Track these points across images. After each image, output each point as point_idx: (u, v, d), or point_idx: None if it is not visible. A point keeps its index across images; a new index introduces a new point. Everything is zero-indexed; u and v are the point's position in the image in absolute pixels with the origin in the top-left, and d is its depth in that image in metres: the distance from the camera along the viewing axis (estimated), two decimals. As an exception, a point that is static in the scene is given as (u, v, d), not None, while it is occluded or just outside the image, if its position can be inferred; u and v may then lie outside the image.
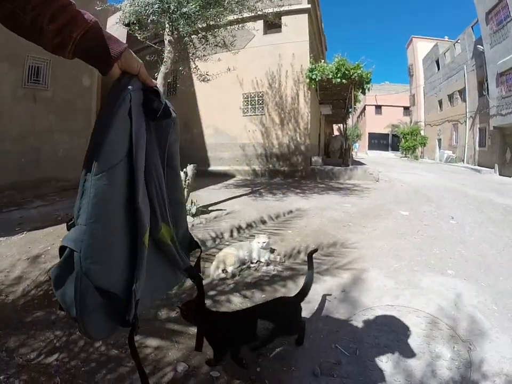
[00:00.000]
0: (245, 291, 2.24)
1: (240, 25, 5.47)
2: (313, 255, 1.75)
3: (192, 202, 4.67)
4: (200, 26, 4.68)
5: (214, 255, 2.84)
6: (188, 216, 4.33)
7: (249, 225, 4.02)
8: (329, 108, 11.41)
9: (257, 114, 8.84)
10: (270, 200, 5.64)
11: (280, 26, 8.87)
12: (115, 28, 7.95)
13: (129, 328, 0.86)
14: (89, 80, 7.43)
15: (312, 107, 8.93)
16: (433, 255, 3.00)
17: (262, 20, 8.13)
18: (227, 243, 3.32)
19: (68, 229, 0.77)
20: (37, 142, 6.44)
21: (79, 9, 0.75)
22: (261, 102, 8.84)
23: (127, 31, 5.74)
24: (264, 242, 2.76)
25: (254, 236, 3.34)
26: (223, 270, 2.50)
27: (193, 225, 4.12)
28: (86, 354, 1.67)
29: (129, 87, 0.79)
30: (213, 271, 2.53)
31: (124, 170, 0.81)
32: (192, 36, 4.91)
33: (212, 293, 2.23)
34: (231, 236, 3.63)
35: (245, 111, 8.96)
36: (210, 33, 5.09)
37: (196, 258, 1.21)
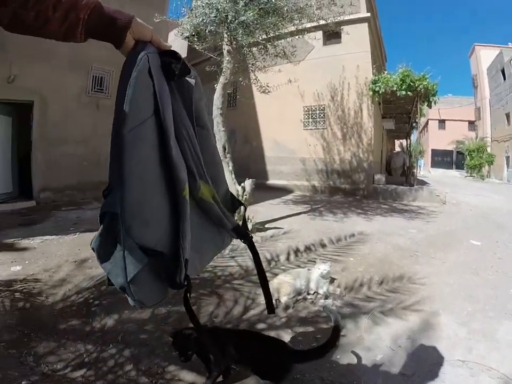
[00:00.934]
0: (297, 327, 2.12)
1: (300, 36, 5.42)
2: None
3: (248, 219, 4.73)
4: (259, 36, 4.63)
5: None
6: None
7: (307, 248, 3.97)
8: (392, 123, 10.83)
9: (319, 128, 8.75)
10: (330, 221, 5.53)
11: (339, 37, 8.67)
12: (176, 41, 8.50)
13: (182, 290, 0.83)
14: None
15: (375, 121, 8.59)
16: (510, 298, 2.66)
17: (321, 31, 8.07)
18: (282, 267, 3.30)
19: (104, 197, 0.77)
20: (98, 146, 6.93)
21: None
22: (322, 115, 8.74)
23: (188, 44, 6.01)
24: (325, 270, 2.64)
25: (314, 261, 3.31)
26: (276, 300, 2.45)
27: None
28: (113, 377, 1.61)
29: (145, 50, 0.81)
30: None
31: (153, 127, 0.82)
32: (251, 46, 4.93)
33: (260, 326, 2.14)
34: (287, 259, 3.60)
35: (306, 124, 8.93)
36: (270, 43, 5.05)
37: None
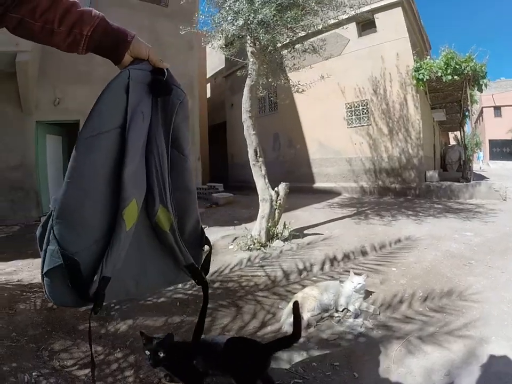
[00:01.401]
0: (314, 350, 1.90)
1: (331, 30, 5.12)
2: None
3: (284, 225, 4.55)
4: (283, 33, 4.46)
5: (294, 293, 2.63)
6: (278, 241, 4.28)
7: (346, 256, 3.69)
8: (443, 113, 9.73)
9: (363, 125, 8.22)
10: (375, 224, 5.11)
11: (374, 26, 8.11)
12: (213, 53, 8.54)
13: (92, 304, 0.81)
14: (191, 101, 8.24)
15: (423, 113, 7.82)
16: None
17: (354, 22, 7.62)
18: (314, 278, 3.11)
19: None
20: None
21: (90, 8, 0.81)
22: (365, 111, 8.19)
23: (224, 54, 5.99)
24: (359, 284, 2.39)
25: (349, 272, 3.06)
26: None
27: (281, 252, 4.01)
28: (112, 380, 1.65)
29: (130, 66, 0.85)
30: (285, 315, 2.27)
31: (114, 141, 0.82)
32: (277, 45, 4.75)
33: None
34: (322, 269, 3.39)
35: (349, 122, 8.46)
36: (296, 39, 4.85)
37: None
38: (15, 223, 6.48)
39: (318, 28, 4.66)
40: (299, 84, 5.36)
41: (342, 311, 2.40)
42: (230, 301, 2.65)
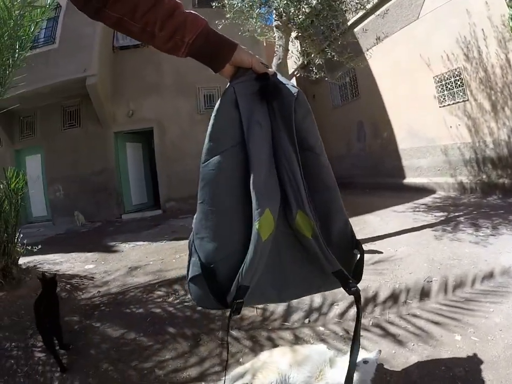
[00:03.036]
0: None
1: None
2: None
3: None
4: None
5: (277, 345, 1.86)
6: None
7: (392, 297, 2.40)
8: None
9: (458, 102, 5.83)
10: (463, 241, 3.34)
11: None
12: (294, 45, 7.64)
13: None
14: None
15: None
16: None
17: None
18: (321, 328, 2.04)
19: None
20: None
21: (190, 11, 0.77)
22: (459, 83, 5.78)
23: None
24: (366, 362, 1.35)
25: (381, 328, 1.95)
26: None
27: None
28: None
29: (234, 81, 0.85)
30: None
31: (237, 157, 0.84)
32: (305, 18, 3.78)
33: None
34: (343, 313, 2.23)
35: (441, 99, 6.17)
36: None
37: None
38: (99, 220, 7.08)
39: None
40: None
41: None
42: (192, 332, 2.11)
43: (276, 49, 3.70)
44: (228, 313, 0.86)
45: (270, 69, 0.89)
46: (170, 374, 1.72)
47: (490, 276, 2.47)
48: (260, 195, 0.82)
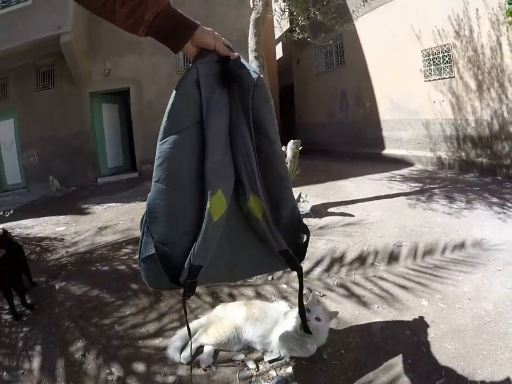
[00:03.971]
0: None
1: None
2: None
3: (298, 200, 3.29)
4: None
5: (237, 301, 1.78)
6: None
7: (359, 258, 2.38)
8: None
9: (444, 78, 5.67)
10: (437, 211, 3.32)
11: None
12: None
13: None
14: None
15: (524, 62, 4.90)
16: None
17: None
18: (284, 286, 1.99)
19: None
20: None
21: None
22: (447, 59, 5.59)
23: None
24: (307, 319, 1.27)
25: (347, 288, 1.93)
26: (192, 348, 1.27)
27: None
28: None
29: (197, 60, 0.83)
30: (177, 338, 1.46)
31: (194, 136, 0.83)
32: None
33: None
34: (309, 272, 2.19)
35: (427, 74, 5.97)
36: None
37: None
38: (74, 185, 6.78)
39: None
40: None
41: (272, 361, 1.33)
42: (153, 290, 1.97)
43: (255, 3, 3.31)
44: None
45: (234, 53, 0.89)
46: (129, 329, 1.67)
47: (461, 246, 2.46)
48: (214, 175, 0.83)
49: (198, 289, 1.92)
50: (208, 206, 0.81)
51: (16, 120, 7.18)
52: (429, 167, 5.98)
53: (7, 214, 3.65)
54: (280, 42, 12.81)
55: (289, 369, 1.28)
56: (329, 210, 3.51)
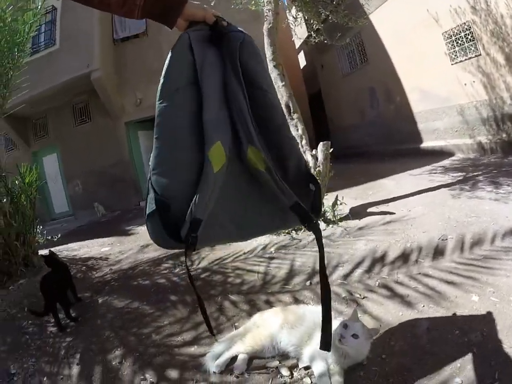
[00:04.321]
0: None
1: None
2: None
3: (335, 201, 3.16)
4: None
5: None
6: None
7: (402, 257, 2.20)
8: None
9: (471, 57, 5.22)
10: (483, 199, 3.00)
11: None
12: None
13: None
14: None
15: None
16: None
17: None
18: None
19: None
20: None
21: None
22: (469, 37, 5.16)
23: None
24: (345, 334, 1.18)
25: (389, 288, 1.78)
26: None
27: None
28: None
29: (188, 30, 0.88)
30: (214, 352, 1.41)
31: (189, 94, 0.86)
32: None
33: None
34: (349, 274, 2.07)
35: (453, 56, 5.55)
36: None
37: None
38: (118, 209, 7.17)
39: None
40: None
41: (307, 368, 1.25)
42: (193, 299, 2.03)
43: (265, 14, 3.36)
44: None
45: (224, 22, 0.92)
46: (166, 338, 1.69)
47: None
48: (211, 128, 0.85)
49: (234, 297, 2.03)
50: (208, 155, 0.82)
51: (59, 154, 7.87)
52: (470, 155, 5.50)
53: (55, 238, 3.91)
54: (302, 51, 12.79)
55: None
56: (369, 210, 3.34)
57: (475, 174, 4.10)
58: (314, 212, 0.97)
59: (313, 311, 1.40)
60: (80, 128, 7.71)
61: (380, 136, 7.98)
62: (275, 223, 1.00)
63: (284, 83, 3.32)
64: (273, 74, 3.34)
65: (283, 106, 3.44)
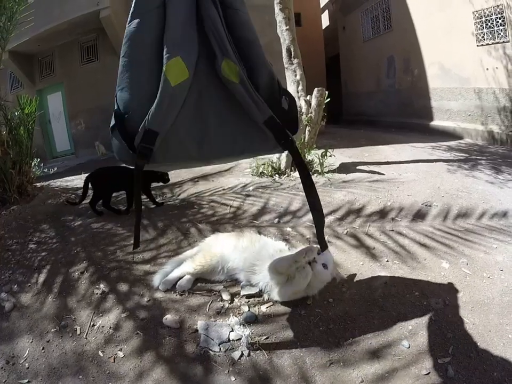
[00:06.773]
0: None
1: None
2: None
3: (325, 154, 2.94)
4: None
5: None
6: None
7: (379, 213, 2.06)
8: None
9: (498, 42, 4.57)
10: (479, 179, 2.75)
11: None
12: None
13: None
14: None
15: None
16: None
17: None
18: (288, 229, 1.80)
19: None
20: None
21: None
22: (500, 21, 4.49)
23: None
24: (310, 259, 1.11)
25: (356, 237, 1.68)
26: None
27: (295, 185, 2.64)
28: None
29: None
30: (165, 269, 1.36)
31: (156, 17, 0.86)
32: None
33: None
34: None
35: (480, 37, 4.87)
36: None
37: None
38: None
39: None
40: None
41: (249, 297, 1.18)
42: (164, 224, 1.99)
43: None
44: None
45: None
46: (128, 255, 1.65)
47: (502, 215, 1.99)
48: (172, 45, 0.84)
49: (202, 225, 1.92)
50: (164, 68, 0.81)
51: (64, 92, 7.45)
52: (478, 141, 5.07)
53: (51, 171, 3.72)
54: (327, 11, 11.62)
55: (263, 308, 1.11)
56: (359, 167, 3.14)
57: (478, 157, 3.77)
58: (290, 129, 0.93)
59: (271, 244, 1.28)
60: (86, 67, 7.20)
61: (391, 107, 7.47)
62: (239, 146, 0.94)
63: (288, 27, 3.03)
64: (279, 17, 3.06)
65: (284, 50, 3.16)
